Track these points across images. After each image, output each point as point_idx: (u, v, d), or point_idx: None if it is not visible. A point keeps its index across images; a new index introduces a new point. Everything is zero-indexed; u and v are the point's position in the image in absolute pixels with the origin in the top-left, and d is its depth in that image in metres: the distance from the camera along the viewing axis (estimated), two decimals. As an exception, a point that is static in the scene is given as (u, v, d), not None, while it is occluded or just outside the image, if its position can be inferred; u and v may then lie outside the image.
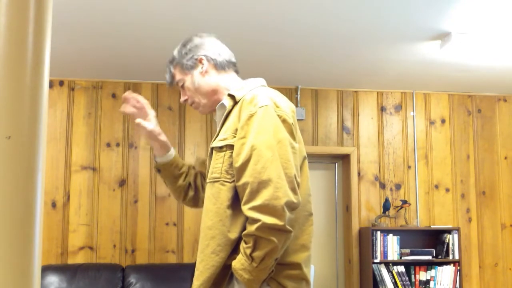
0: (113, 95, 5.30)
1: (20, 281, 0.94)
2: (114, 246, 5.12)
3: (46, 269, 4.65)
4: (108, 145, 5.23)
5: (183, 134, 5.36)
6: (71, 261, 5.04)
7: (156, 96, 5.36)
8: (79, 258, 5.06)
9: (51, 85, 5.21)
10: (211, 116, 5.40)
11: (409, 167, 5.64)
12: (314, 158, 5.62)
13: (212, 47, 2.02)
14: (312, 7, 3.67)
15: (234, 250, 1.76)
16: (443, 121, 5.76)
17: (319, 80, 5.39)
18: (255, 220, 1.67)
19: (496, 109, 5.87)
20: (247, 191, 1.70)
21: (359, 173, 5.56)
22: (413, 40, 4.28)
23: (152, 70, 5.04)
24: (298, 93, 5.52)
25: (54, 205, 5.08)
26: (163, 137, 2.11)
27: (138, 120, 2.05)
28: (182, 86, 2.04)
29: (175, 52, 2.06)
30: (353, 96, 5.67)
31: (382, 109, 5.69)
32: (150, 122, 2.07)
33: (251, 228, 1.68)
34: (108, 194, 5.17)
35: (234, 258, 1.74)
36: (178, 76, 2.04)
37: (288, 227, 1.68)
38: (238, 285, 1.74)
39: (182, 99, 2.07)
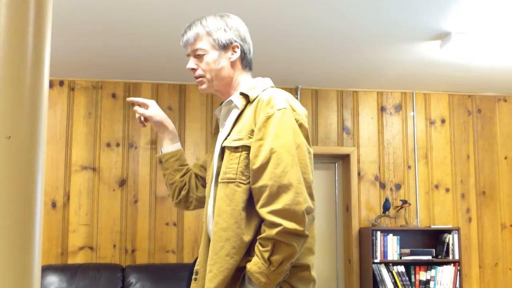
0: (113, 95, 5.30)
1: (20, 281, 0.94)
2: (114, 246, 5.12)
3: (46, 269, 4.66)
4: (108, 145, 5.23)
5: (183, 134, 5.35)
6: (71, 261, 5.04)
7: (156, 96, 5.36)
8: (79, 258, 5.06)
9: (51, 85, 5.21)
10: (211, 116, 5.40)
11: (409, 167, 5.64)
12: (314, 158, 5.61)
13: (248, 40, 1.95)
14: (312, 7, 3.67)
15: (246, 252, 1.74)
16: (443, 121, 5.76)
17: (319, 80, 5.39)
18: (276, 224, 1.65)
19: (496, 109, 5.87)
20: (265, 194, 1.68)
21: (359, 173, 5.56)
22: (413, 40, 4.28)
23: (152, 70, 5.04)
24: (298, 93, 5.52)
25: (54, 205, 5.08)
26: (168, 125, 2.10)
27: (136, 109, 2.08)
28: (199, 55, 1.90)
29: (211, 21, 1.91)
30: (353, 96, 5.67)
31: (382, 109, 5.69)
32: (150, 109, 2.08)
33: (271, 232, 1.66)
34: (108, 194, 5.17)
35: (247, 260, 1.73)
36: (201, 44, 1.89)
37: (306, 232, 1.68)
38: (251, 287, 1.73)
39: (189, 66, 1.92)
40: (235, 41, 1.91)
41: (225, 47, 1.89)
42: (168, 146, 2.13)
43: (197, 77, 1.93)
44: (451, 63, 4.82)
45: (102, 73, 5.14)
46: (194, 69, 1.92)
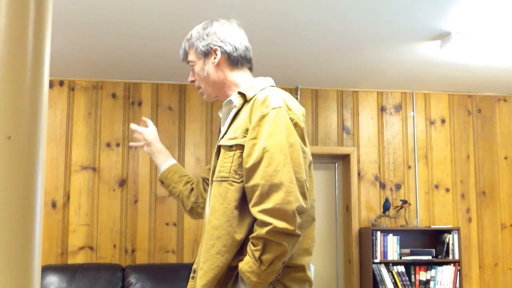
0: (113, 95, 5.30)
1: (20, 281, 0.94)
2: (114, 246, 5.12)
3: (46, 269, 4.65)
4: (108, 145, 5.23)
5: (183, 134, 5.35)
6: (71, 261, 5.04)
7: (156, 96, 5.36)
8: (79, 258, 5.06)
9: (51, 85, 5.21)
10: (211, 116, 5.40)
11: (409, 167, 5.64)
12: (314, 158, 5.62)
13: (230, 39, 1.95)
14: (312, 6, 3.67)
15: (239, 251, 1.75)
16: (443, 121, 5.76)
17: (319, 80, 5.39)
18: (266, 224, 1.66)
19: (496, 109, 5.87)
20: (257, 193, 1.69)
21: (359, 173, 5.56)
22: (413, 40, 4.28)
23: (152, 70, 5.04)
24: (298, 93, 5.52)
25: (54, 205, 5.08)
26: (159, 152, 2.25)
27: (131, 144, 2.31)
28: (192, 68, 2.01)
29: (194, 32, 1.99)
30: (353, 96, 5.67)
31: (382, 109, 5.69)
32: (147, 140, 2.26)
33: (261, 231, 1.66)
34: (108, 194, 5.17)
35: (239, 259, 1.74)
36: (191, 57, 1.99)
37: (298, 231, 1.68)
38: (244, 287, 1.73)
39: (190, 79, 2.03)
40: (214, 45, 1.94)
41: (206, 54, 1.95)
42: (163, 165, 2.24)
43: (198, 88, 2.03)
44: (451, 63, 4.82)
45: (102, 73, 5.14)
46: (193, 81, 2.03)
